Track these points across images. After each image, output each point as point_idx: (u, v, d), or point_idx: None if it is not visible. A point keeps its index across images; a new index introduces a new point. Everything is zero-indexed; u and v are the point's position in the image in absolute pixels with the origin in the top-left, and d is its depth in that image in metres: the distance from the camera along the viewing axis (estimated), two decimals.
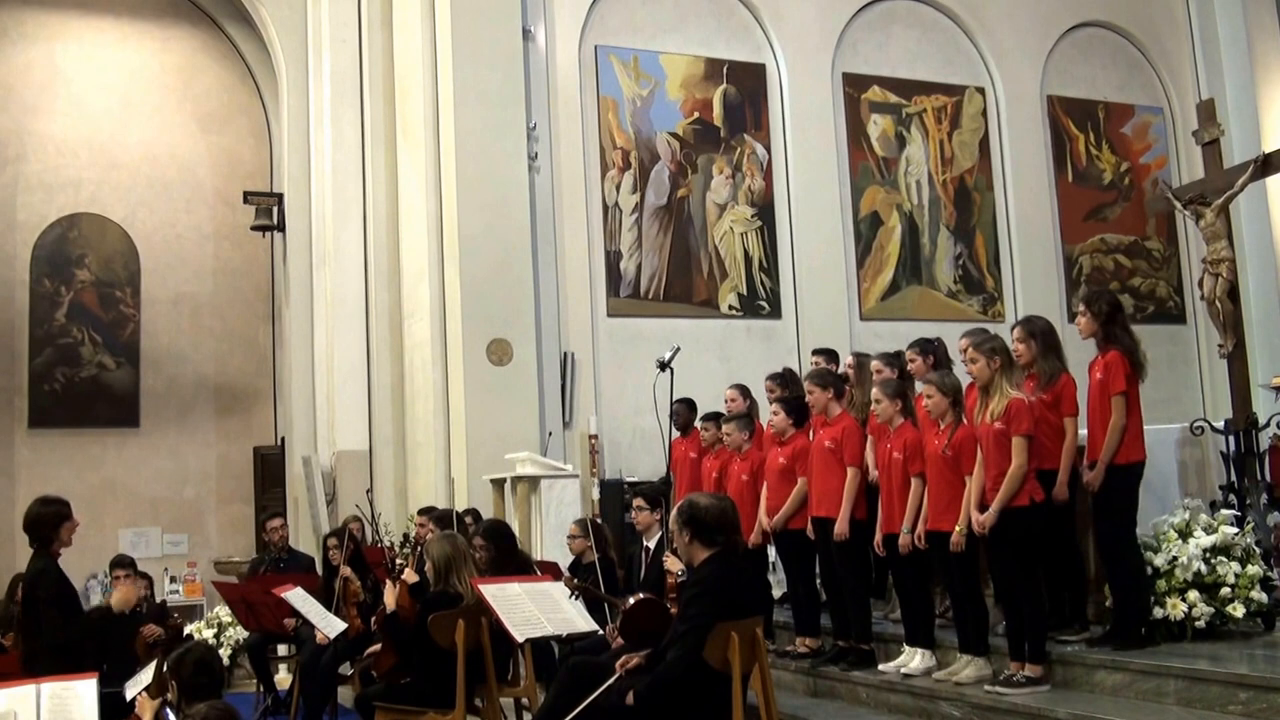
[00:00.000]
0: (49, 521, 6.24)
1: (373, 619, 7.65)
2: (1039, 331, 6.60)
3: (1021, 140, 14.69)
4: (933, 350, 7.47)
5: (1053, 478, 6.35)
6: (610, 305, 12.68)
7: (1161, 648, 6.16)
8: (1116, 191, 15.22)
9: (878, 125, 14.16)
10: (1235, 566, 6.34)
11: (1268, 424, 7.53)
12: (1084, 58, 15.34)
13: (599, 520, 9.30)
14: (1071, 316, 13.07)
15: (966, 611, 6.47)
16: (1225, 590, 6.31)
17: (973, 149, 14.54)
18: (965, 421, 6.42)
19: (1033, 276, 14.41)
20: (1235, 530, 6.50)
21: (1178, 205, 8.13)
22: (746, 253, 13.31)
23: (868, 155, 14.09)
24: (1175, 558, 6.35)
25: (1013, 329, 6.79)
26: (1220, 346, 7.79)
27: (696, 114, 13.35)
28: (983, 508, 6.11)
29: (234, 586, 10.07)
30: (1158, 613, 6.30)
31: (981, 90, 14.68)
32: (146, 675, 5.78)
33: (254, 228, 15.29)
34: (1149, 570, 6.35)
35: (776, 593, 8.52)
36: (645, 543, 7.75)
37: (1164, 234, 15.33)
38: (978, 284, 14.31)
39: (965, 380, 6.73)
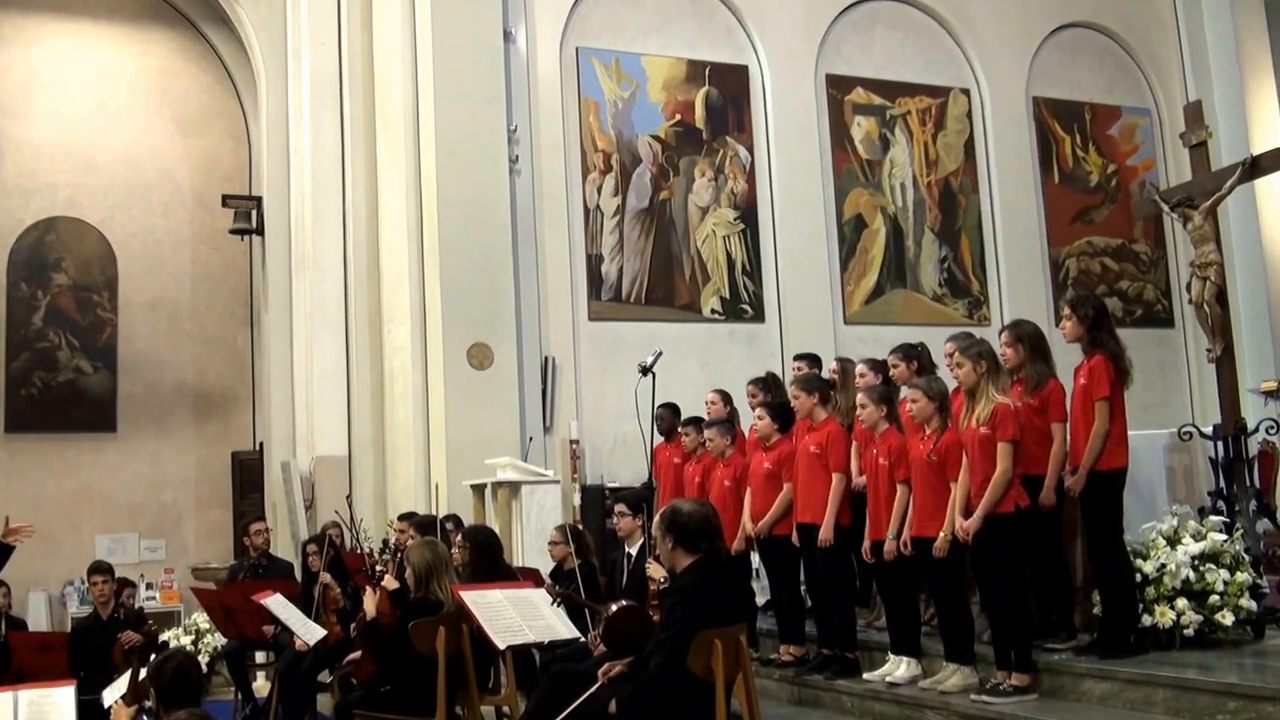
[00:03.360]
0: None
1: (352, 626, 7.62)
2: (1027, 336, 6.57)
3: (1007, 142, 14.69)
4: (916, 355, 7.45)
5: (1040, 483, 6.32)
6: (591, 309, 12.63)
7: (1150, 656, 6.14)
8: (1103, 194, 15.23)
9: (861, 127, 14.15)
10: (1224, 574, 6.32)
11: (1256, 429, 7.51)
12: (1070, 59, 15.35)
13: (580, 526, 9.25)
14: (1058, 320, 13.04)
15: (952, 619, 6.44)
16: (1214, 598, 6.28)
17: (958, 151, 14.54)
18: (952, 427, 6.39)
19: (1019, 280, 14.40)
20: (1224, 537, 6.47)
21: (1165, 208, 8.11)
22: (729, 256, 13.27)
23: (851, 157, 14.07)
24: (1164, 565, 6.32)
25: (1001, 333, 6.76)
26: (1209, 351, 7.77)
27: (678, 116, 13.31)
28: (968, 513, 6.08)
29: (212, 593, 9.99)
30: (1146, 621, 6.27)
31: (966, 92, 14.68)
32: (124, 683, 5.73)
33: (232, 231, 15.19)
34: (1138, 578, 6.32)
35: (760, 600, 8.48)
36: (627, 549, 7.70)
37: (1151, 237, 15.34)
38: (963, 287, 14.30)
39: (951, 385, 6.71)
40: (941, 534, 6.24)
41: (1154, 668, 5.88)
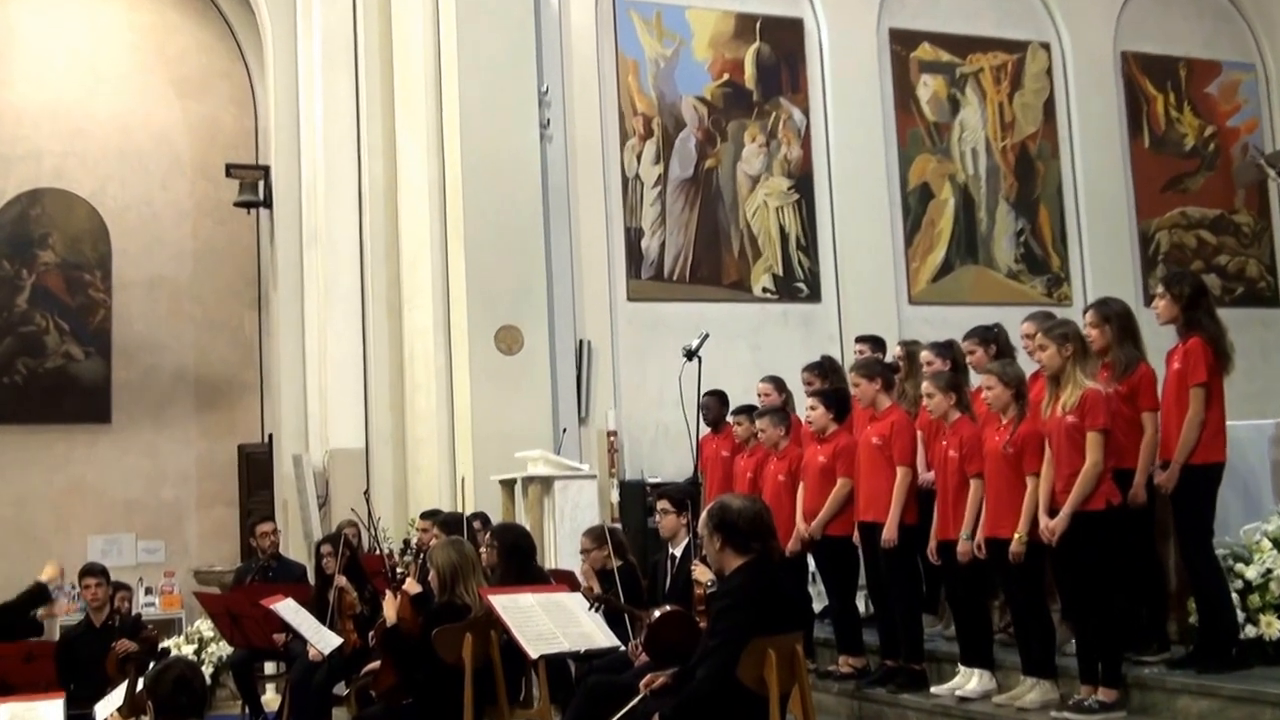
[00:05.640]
0: None
1: (371, 633, 7.66)
2: (1115, 315, 6.53)
3: (1091, 102, 14.56)
4: (993, 338, 7.42)
5: (1129, 479, 6.28)
6: (631, 288, 12.66)
7: (1255, 671, 6.07)
8: (1199, 159, 15.08)
9: (929, 87, 14.08)
10: None
11: None
12: (1163, 9, 15.17)
13: (616, 525, 9.30)
14: (1148, 300, 12.84)
15: (1030, 628, 6.43)
16: None
17: (1036, 112, 14.44)
18: (1030, 416, 6.37)
19: (1103, 255, 14.30)
20: None
21: (1271, 173, 8.07)
22: (782, 229, 13.27)
23: (917, 120, 14.01)
24: (1269, 570, 6.28)
25: (1085, 312, 6.73)
26: None
27: (726, 76, 13.30)
28: (1053, 512, 6.06)
29: (217, 598, 10.09)
30: (1250, 631, 6.22)
31: (1046, 46, 14.57)
32: (118, 695, 5.81)
33: (237, 204, 15.31)
34: (1240, 584, 6.28)
35: (817, 606, 8.50)
36: (671, 550, 7.73)
37: (1254, 206, 15.17)
38: (1041, 263, 14.22)
39: (1028, 370, 6.69)
40: (1017, 534, 6.23)
41: (1260, 684, 5.81)
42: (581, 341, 12.25)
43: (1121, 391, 6.38)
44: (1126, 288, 13.55)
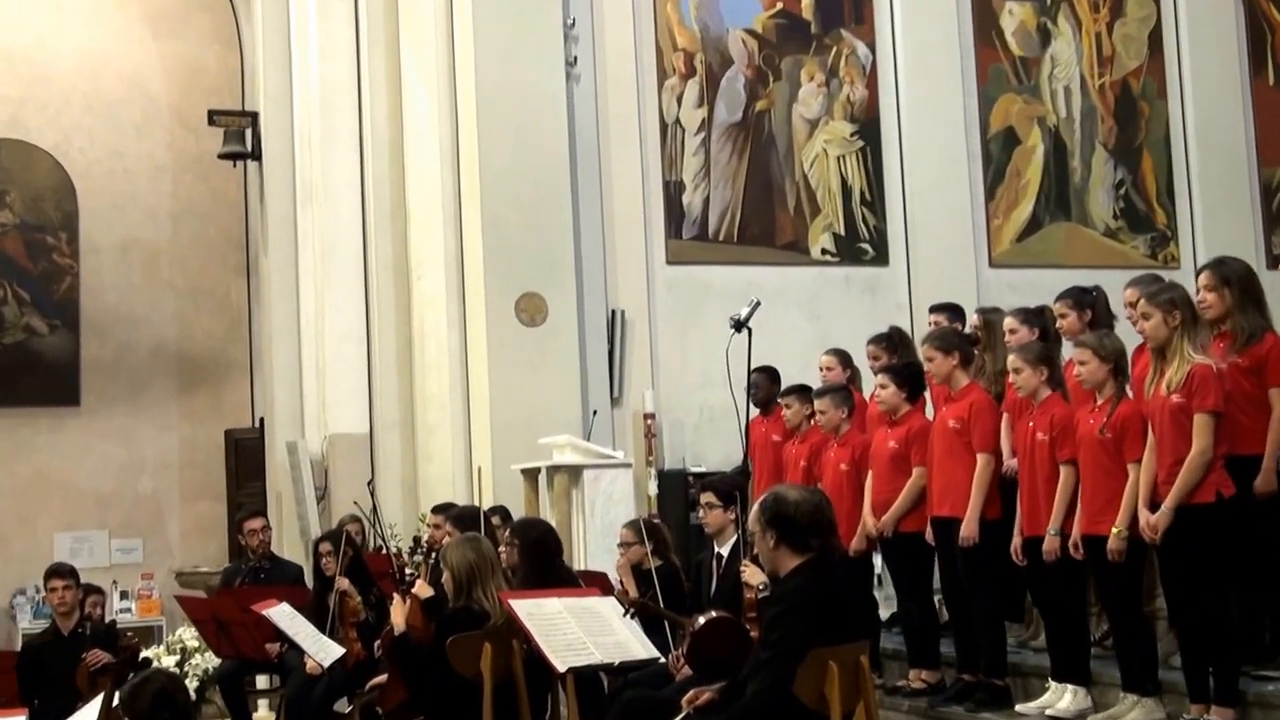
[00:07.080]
0: None
1: (376, 643, 7.73)
2: (1235, 277, 6.43)
3: (1206, 32, 14.40)
4: (1090, 303, 7.37)
5: (1252, 465, 6.22)
6: (670, 250, 12.67)
7: None
8: None
9: (1014, 16, 13.99)
10: None
11: None
12: None
13: (656, 520, 9.32)
14: (1271, 261, 12.91)
15: (1131, 638, 6.42)
16: None
17: (1140, 44, 14.32)
18: (1130, 395, 6.33)
19: (1218, 210, 14.17)
20: None
21: None
22: (844, 182, 13.24)
23: (1001, 55, 13.93)
24: None
25: (1199, 274, 6.65)
26: None
27: (780, 4, 13.26)
28: (1156, 505, 6.03)
29: (202, 602, 10.18)
30: None
31: None
32: (91, 711, 5.87)
33: (222, 156, 15.35)
34: None
35: (884, 612, 8.51)
36: (717, 548, 7.75)
37: None
38: (1144, 220, 14.13)
39: (1129, 342, 6.65)
40: (1115, 529, 6.20)
41: None
42: (614, 311, 12.28)
43: (1243, 365, 6.29)
44: (1246, 247, 13.38)
